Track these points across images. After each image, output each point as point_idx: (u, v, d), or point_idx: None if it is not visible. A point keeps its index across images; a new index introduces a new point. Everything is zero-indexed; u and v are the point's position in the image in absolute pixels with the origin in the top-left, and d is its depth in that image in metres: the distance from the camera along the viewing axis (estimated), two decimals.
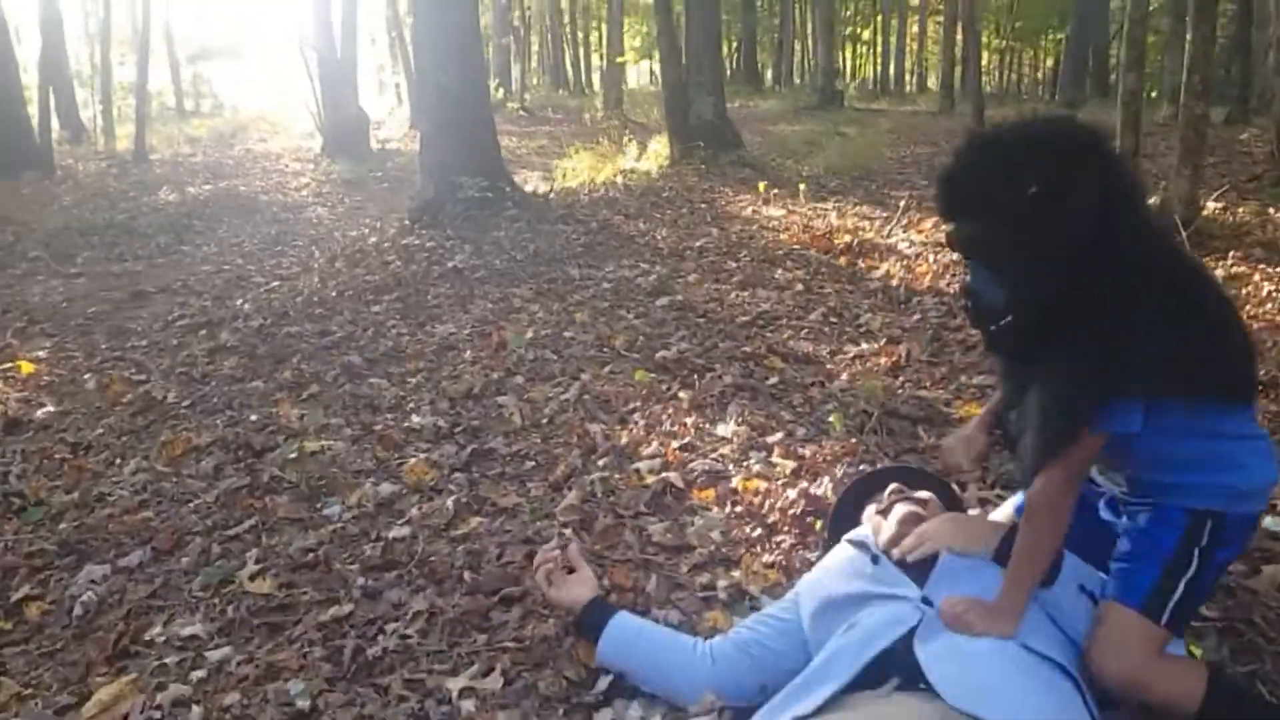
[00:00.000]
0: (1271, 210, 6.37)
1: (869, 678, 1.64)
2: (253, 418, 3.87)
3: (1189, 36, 5.71)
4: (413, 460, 3.32)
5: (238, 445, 3.59)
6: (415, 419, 3.69)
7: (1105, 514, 1.97)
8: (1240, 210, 6.54)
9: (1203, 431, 1.68)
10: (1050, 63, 36.23)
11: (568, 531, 2.76)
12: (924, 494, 2.20)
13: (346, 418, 3.82)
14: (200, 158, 14.41)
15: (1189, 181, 5.51)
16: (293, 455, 3.18)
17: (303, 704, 2.13)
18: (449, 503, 3.00)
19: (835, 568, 2.07)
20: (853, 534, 2.16)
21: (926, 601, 1.78)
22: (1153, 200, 6.10)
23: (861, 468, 3.00)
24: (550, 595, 2.29)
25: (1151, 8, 21.14)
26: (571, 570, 2.30)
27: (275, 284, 6.18)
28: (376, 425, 3.68)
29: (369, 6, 28.83)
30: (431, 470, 3.24)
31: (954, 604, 1.71)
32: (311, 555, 2.77)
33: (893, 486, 2.23)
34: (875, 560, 1.98)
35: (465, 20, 7.15)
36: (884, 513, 2.16)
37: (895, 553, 1.93)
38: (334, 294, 5.60)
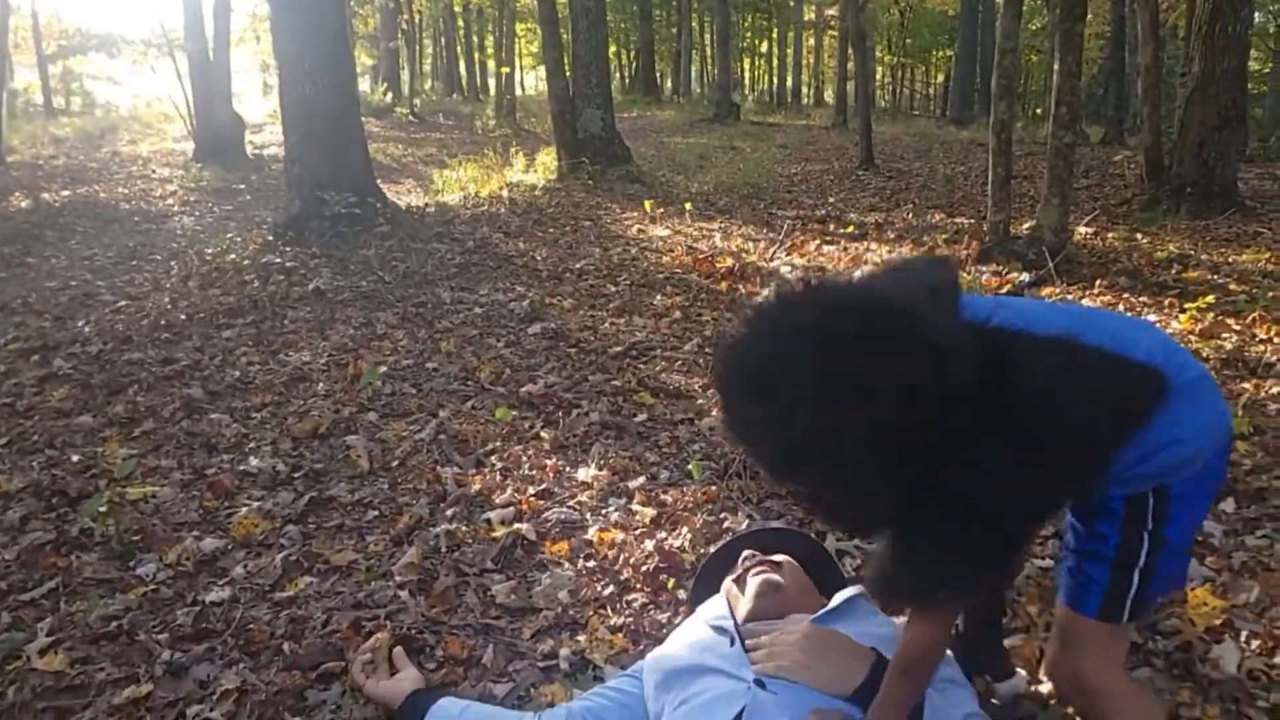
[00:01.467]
0: (1139, 236, 6.54)
1: None
2: (74, 459, 3.53)
3: (1055, 68, 5.81)
4: (244, 510, 3.05)
5: (52, 491, 3.26)
6: (253, 461, 3.41)
7: None
8: (1109, 236, 6.70)
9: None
10: (941, 79, 37.35)
11: (404, 594, 2.54)
12: (780, 557, 2.07)
13: (179, 459, 3.52)
14: (62, 160, 13.57)
15: (1057, 211, 5.60)
16: (103, 508, 2.87)
17: None
18: (278, 560, 2.75)
19: (687, 640, 1.93)
20: (712, 617, 1.99)
21: (759, 684, 1.67)
22: (1025, 226, 6.20)
23: (722, 515, 2.87)
24: (367, 690, 2.10)
25: (1034, 29, 21.94)
26: (394, 670, 2.16)
27: (123, 304, 5.76)
28: (210, 469, 3.39)
29: (248, 3, 27.92)
30: (263, 522, 2.98)
31: None
32: (115, 624, 2.49)
33: (746, 553, 2.10)
34: (732, 643, 1.83)
35: (332, 25, 6.79)
36: (739, 581, 2.03)
37: (753, 664, 1.73)
38: (184, 317, 5.24)
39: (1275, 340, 4.02)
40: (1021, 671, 2.08)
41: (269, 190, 10.53)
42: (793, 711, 1.60)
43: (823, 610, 1.91)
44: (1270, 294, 4.68)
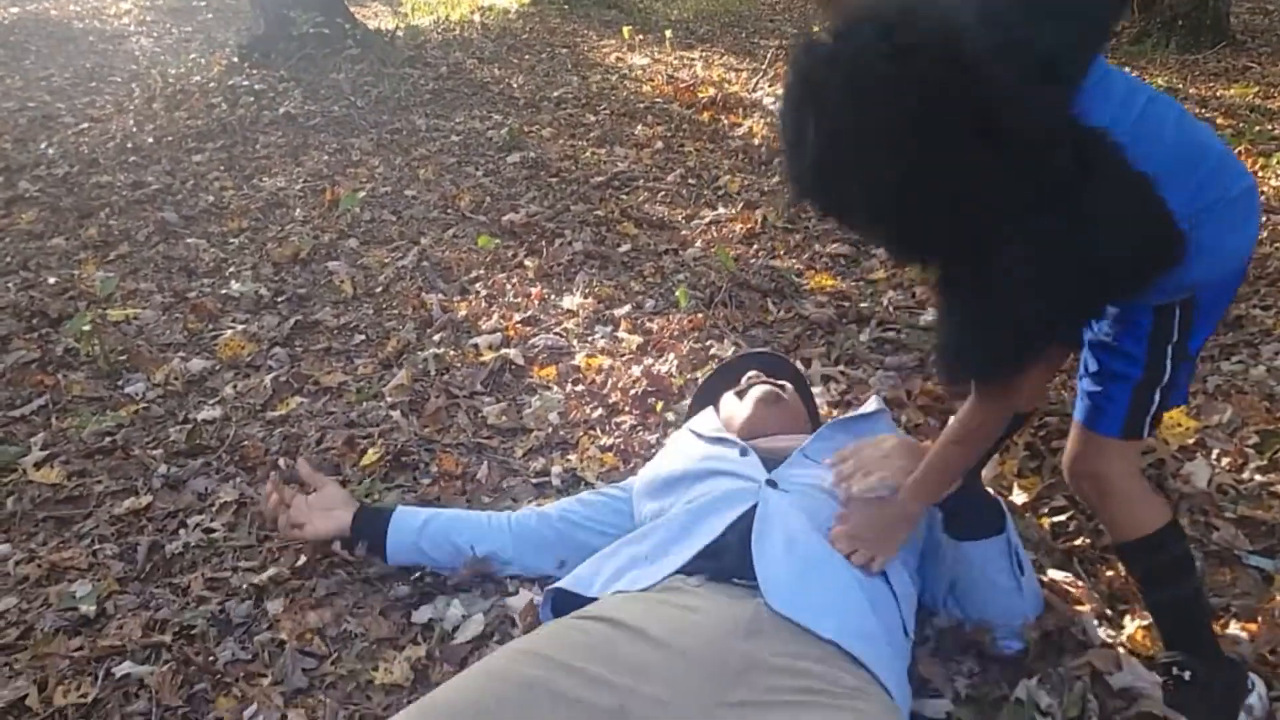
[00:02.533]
0: (1128, 69, 6.42)
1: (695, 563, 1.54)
2: (51, 280, 3.49)
3: None
4: (229, 333, 3.04)
5: (31, 312, 3.23)
6: (234, 285, 3.38)
7: None
8: None
9: None
10: None
11: (395, 414, 2.58)
12: (786, 382, 2.10)
13: (158, 282, 3.48)
14: None
15: None
16: (86, 326, 2.86)
17: (88, 608, 1.94)
18: (267, 380, 2.77)
19: (684, 451, 1.93)
20: (708, 430, 1.96)
21: (771, 484, 1.66)
22: None
23: (708, 343, 2.90)
24: (306, 535, 1.97)
25: None
26: (311, 491, 2.02)
27: (85, 126, 5.55)
28: (190, 292, 3.37)
29: None
30: (249, 344, 2.98)
31: (844, 521, 1.60)
32: (108, 440, 2.52)
33: (751, 372, 2.12)
34: (744, 454, 1.79)
35: None
36: (740, 394, 2.05)
37: (843, 487, 1.66)
38: (151, 140, 5.07)
39: (1259, 173, 4.02)
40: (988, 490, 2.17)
41: (230, 10, 10.03)
42: (809, 510, 1.60)
43: (854, 414, 1.95)
44: (1256, 128, 4.66)
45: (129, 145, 5.04)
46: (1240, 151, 4.28)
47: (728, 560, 1.52)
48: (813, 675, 1.28)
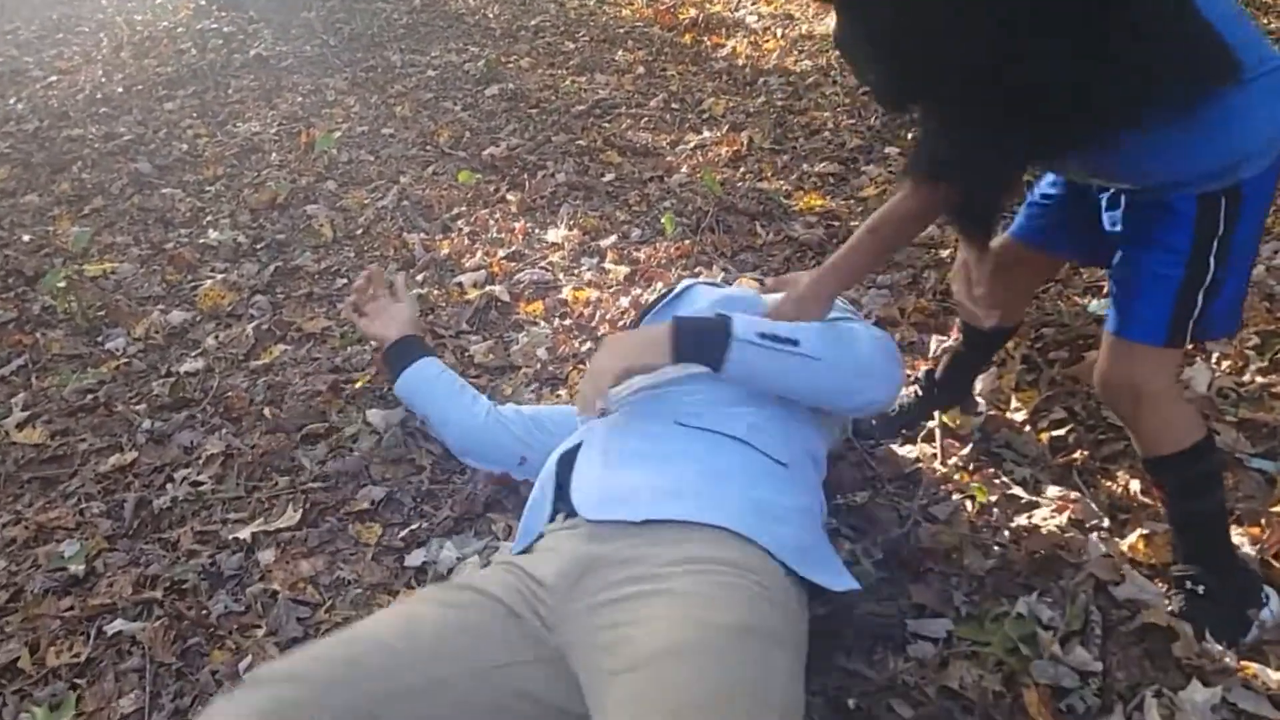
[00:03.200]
0: None
1: None
2: (25, 238, 3.42)
3: None
4: (208, 283, 2.98)
5: (6, 271, 3.17)
6: (212, 234, 3.31)
7: (1108, 225, 1.61)
8: None
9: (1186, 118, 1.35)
10: None
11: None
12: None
13: (134, 235, 3.41)
14: None
15: None
16: (62, 283, 2.80)
17: (77, 568, 1.92)
18: (249, 330, 2.72)
19: None
20: None
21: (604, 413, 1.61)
22: None
23: (696, 270, 2.84)
24: (362, 326, 2.15)
25: None
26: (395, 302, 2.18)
27: (54, 79, 5.42)
28: (168, 243, 3.30)
29: None
30: (229, 293, 2.92)
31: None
32: (90, 397, 2.49)
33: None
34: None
35: None
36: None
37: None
38: (121, 90, 4.94)
39: None
40: (982, 402, 2.14)
41: None
42: (619, 422, 1.60)
43: (665, 299, 1.94)
44: None
45: (99, 96, 4.92)
46: None
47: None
48: (656, 557, 1.30)
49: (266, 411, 2.36)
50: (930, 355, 2.34)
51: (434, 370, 2.06)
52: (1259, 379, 2.12)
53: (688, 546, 1.31)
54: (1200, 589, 1.55)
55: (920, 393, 2.11)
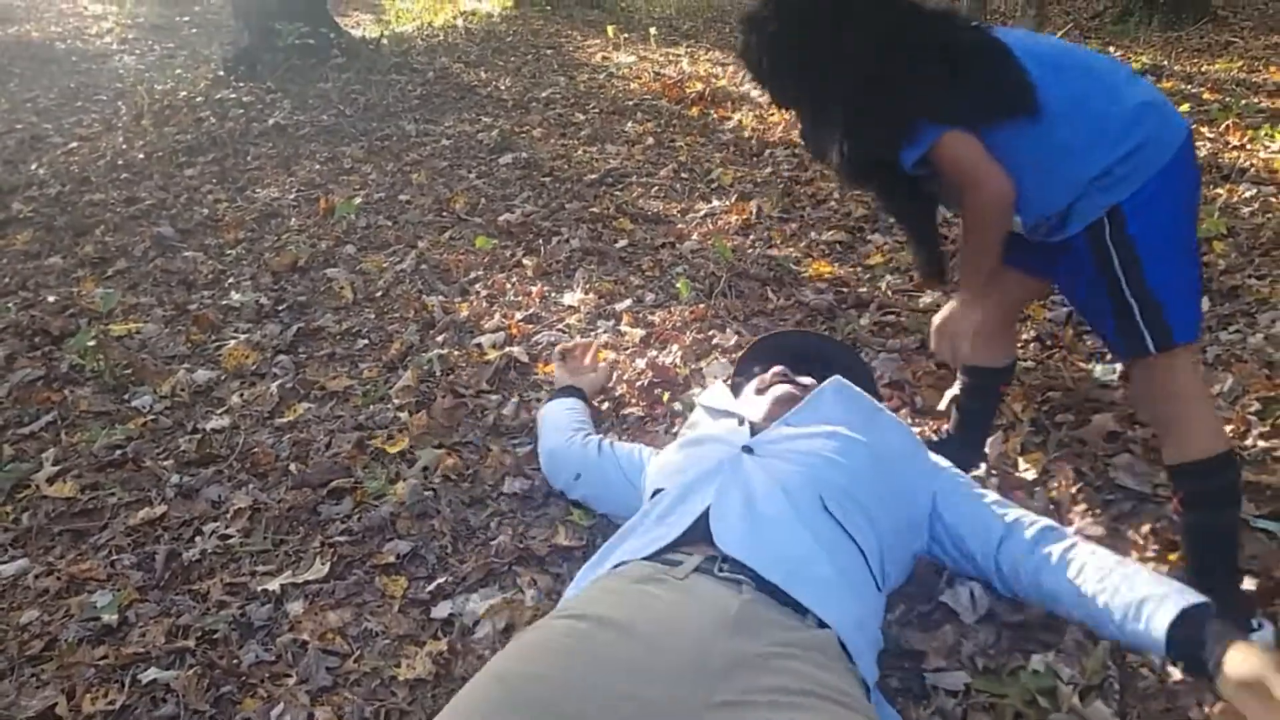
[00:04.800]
0: (1112, 48, 6.45)
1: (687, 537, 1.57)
2: (50, 299, 3.49)
3: None
4: (232, 343, 3.05)
5: (33, 331, 3.24)
6: (235, 296, 3.39)
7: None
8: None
9: (1030, 141, 1.65)
10: None
11: (404, 415, 2.59)
12: (808, 380, 2.09)
13: (158, 296, 3.49)
14: None
15: (1033, 24, 5.51)
16: (90, 341, 2.87)
17: (110, 617, 1.96)
18: (273, 388, 2.78)
19: (690, 426, 2.02)
20: (718, 404, 2.03)
21: (747, 450, 1.72)
22: None
23: (710, 332, 2.92)
24: (555, 368, 2.60)
25: None
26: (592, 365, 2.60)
27: (75, 145, 5.56)
28: (191, 304, 3.37)
29: None
30: (253, 353, 2.99)
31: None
32: (119, 452, 2.53)
33: (777, 368, 2.11)
34: (741, 423, 1.86)
35: None
36: (762, 392, 2.07)
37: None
38: (141, 156, 5.07)
39: (1247, 146, 4.06)
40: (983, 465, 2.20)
41: (212, 25, 10.04)
42: (775, 470, 1.64)
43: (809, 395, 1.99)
44: (1243, 101, 4.69)
45: (120, 162, 5.04)
46: (1228, 125, 4.32)
47: (703, 526, 1.56)
48: (793, 674, 1.28)
49: (292, 467, 2.41)
50: (940, 409, 2.40)
51: (561, 406, 2.35)
52: (1261, 443, 2.19)
53: (824, 674, 1.30)
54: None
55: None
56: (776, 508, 1.56)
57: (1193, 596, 1.38)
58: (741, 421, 1.84)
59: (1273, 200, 3.46)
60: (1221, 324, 2.71)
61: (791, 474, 1.63)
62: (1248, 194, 3.52)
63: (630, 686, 1.22)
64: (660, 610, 1.37)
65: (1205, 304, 2.79)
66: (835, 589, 1.46)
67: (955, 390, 2.25)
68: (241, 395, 2.77)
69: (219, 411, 2.71)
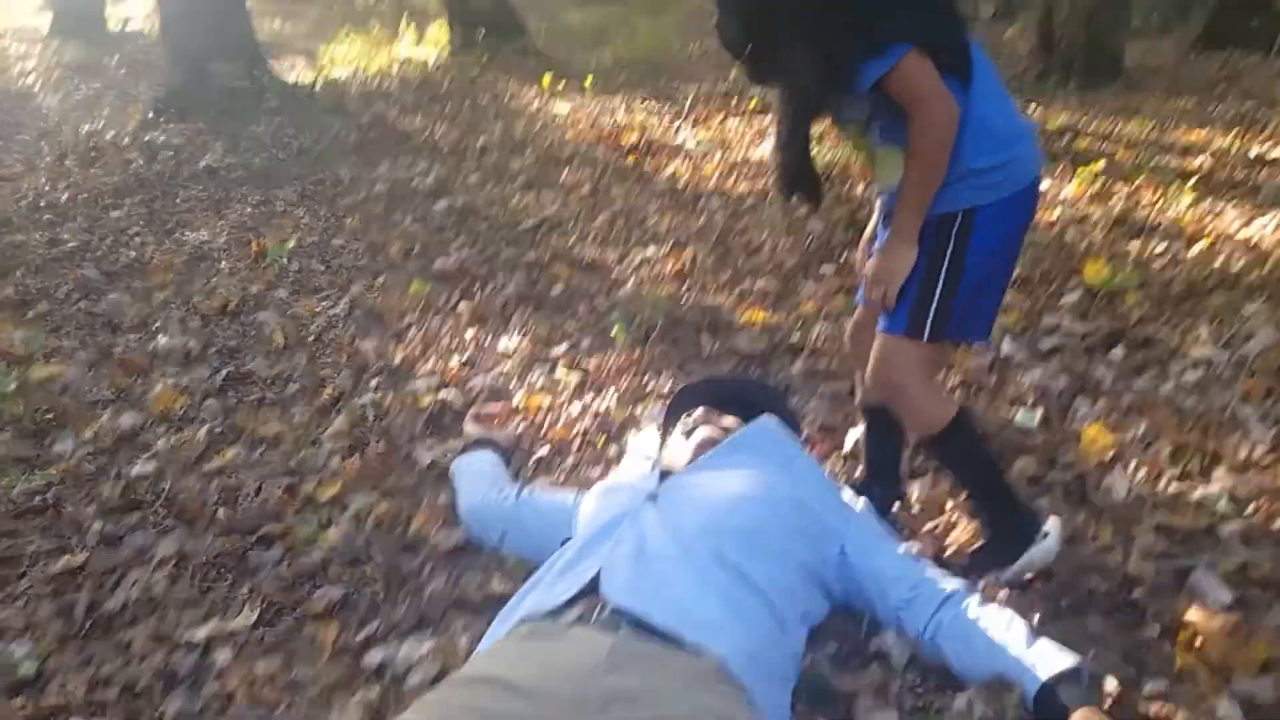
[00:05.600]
0: (1032, 106, 6.70)
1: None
2: None
3: None
4: (159, 387, 3.00)
5: None
6: (162, 339, 3.33)
7: (877, 245, 2.01)
8: None
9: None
10: None
11: (336, 461, 2.57)
12: (731, 421, 2.14)
13: (81, 339, 3.41)
14: None
15: None
16: (12, 386, 2.79)
17: (28, 669, 1.89)
18: (201, 433, 2.73)
19: (623, 471, 2.12)
20: (641, 446, 2.20)
21: (652, 496, 1.82)
22: None
23: (645, 378, 2.95)
24: (465, 424, 2.59)
25: None
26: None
27: None
28: (116, 348, 3.31)
29: None
30: (181, 397, 2.94)
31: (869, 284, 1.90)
32: (39, 499, 2.47)
33: (700, 410, 2.18)
34: (653, 468, 2.00)
35: None
36: (688, 435, 2.12)
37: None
38: (65, 197, 4.97)
39: (1158, 203, 4.25)
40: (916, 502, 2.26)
41: (140, 66, 9.90)
42: (670, 518, 1.72)
43: (736, 434, 2.05)
44: (1153, 160, 4.91)
45: (42, 203, 4.94)
46: (1140, 182, 4.52)
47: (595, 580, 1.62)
48: (670, 701, 1.34)
49: (220, 513, 2.37)
50: (846, 453, 2.46)
51: (473, 462, 2.35)
52: (1174, 485, 2.28)
53: (703, 696, 1.38)
54: (987, 518, 1.97)
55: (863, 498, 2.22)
56: (666, 554, 1.64)
57: (1061, 662, 1.59)
58: (654, 466, 1.93)
59: (1183, 254, 3.62)
60: (1135, 372, 2.82)
61: (689, 519, 1.72)
62: (1159, 248, 3.69)
63: None
64: (541, 661, 1.44)
65: (1120, 353, 2.91)
66: (720, 624, 1.52)
67: (858, 432, 2.34)
68: (168, 440, 2.72)
69: (144, 456, 2.65)
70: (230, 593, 2.11)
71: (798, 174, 1.95)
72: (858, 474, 2.36)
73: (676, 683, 1.39)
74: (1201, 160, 4.96)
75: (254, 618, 2.01)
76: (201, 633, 1.97)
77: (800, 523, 1.82)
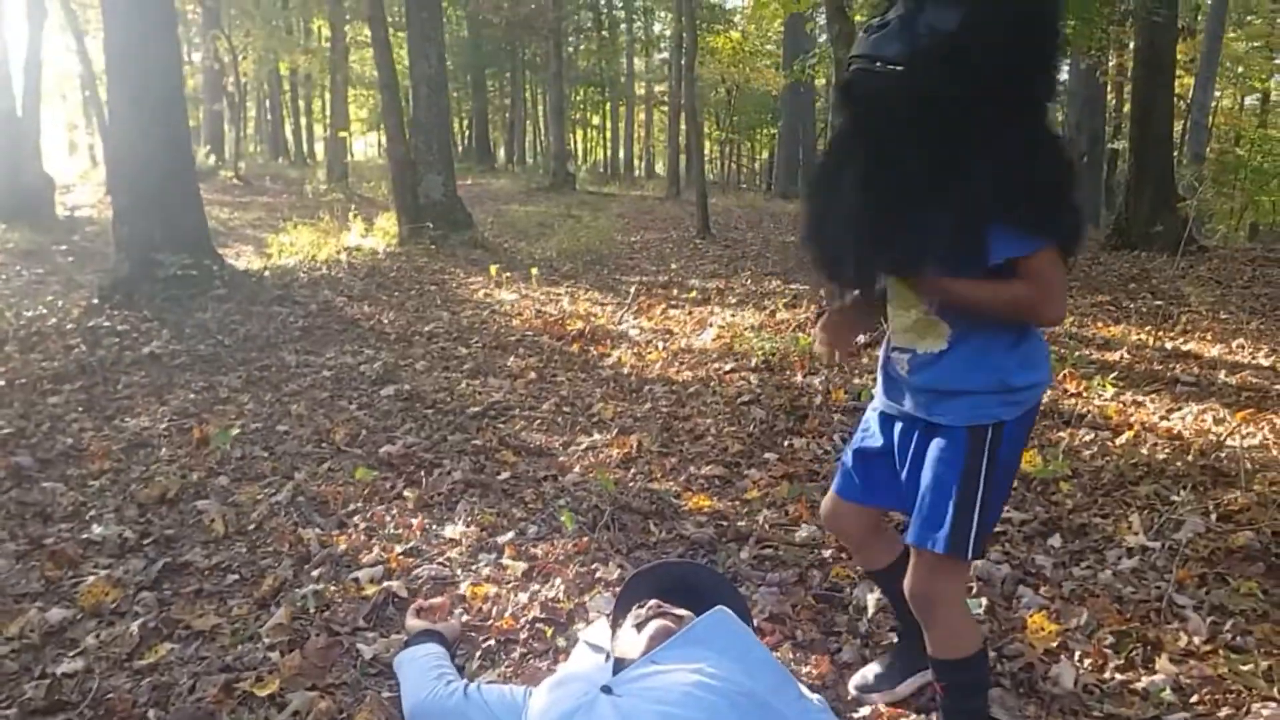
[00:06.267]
0: None
1: None
2: None
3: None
4: (91, 579, 2.89)
5: None
6: (96, 529, 3.24)
7: (898, 465, 1.98)
8: None
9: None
10: (766, 155, 39.04)
11: (275, 655, 2.48)
12: (684, 612, 2.15)
13: (10, 530, 3.30)
14: None
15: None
16: None
17: None
18: (133, 627, 2.63)
19: (571, 659, 2.12)
20: (594, 639, 2.18)
21: (605, 689, 1.83)
22: None
23: (594, 565, 2.93)
24: (407, 619, 2.56)
25: None
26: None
27: None
28: (47, 539, 3.20)
29: (58, 61, 26.49)
30: (113, 590, 2.83)
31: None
32: None
33: (652, 602, 2.19)
34: (607, 659, 2.02)
35: (170, 81, 6.62)
36: (640, 626, 2.12)
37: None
38: (2, 383, 4.91)
39: (1083, 394, 4.45)
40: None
41: (86, 253, 9.99)
42: (627, 711, 1.75)
43: (691, 625, 2.04)
44: (1077, 353, 5.17)
45: None
46: (1065, 374, 4.74)
47: None
48: None
49: (151, 714, 2.26)
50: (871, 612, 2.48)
51: (416, 654, 2.32)
52: (1118, 675, 2.30)
53: None
54: None
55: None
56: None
57: None
58: (608, 658, 1.94)
59: (1110, 444, 3.78)
60: (1074, 560, 2.89)
61: (645, 712, 1.72)
62: (1087, 438, 3.84)
63: None
64: None
65: (1058, 540, 2.99)
66: None
67: (875, 595, 2.40)
68: (98, 635, 2.60)
69: (72, 654, 2.53)
70: None
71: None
72: (817, 666, 2.35)
73: None
74: (1120, 354, 5.23)
75: None
76: None
77: (759, 714, 1.81)
